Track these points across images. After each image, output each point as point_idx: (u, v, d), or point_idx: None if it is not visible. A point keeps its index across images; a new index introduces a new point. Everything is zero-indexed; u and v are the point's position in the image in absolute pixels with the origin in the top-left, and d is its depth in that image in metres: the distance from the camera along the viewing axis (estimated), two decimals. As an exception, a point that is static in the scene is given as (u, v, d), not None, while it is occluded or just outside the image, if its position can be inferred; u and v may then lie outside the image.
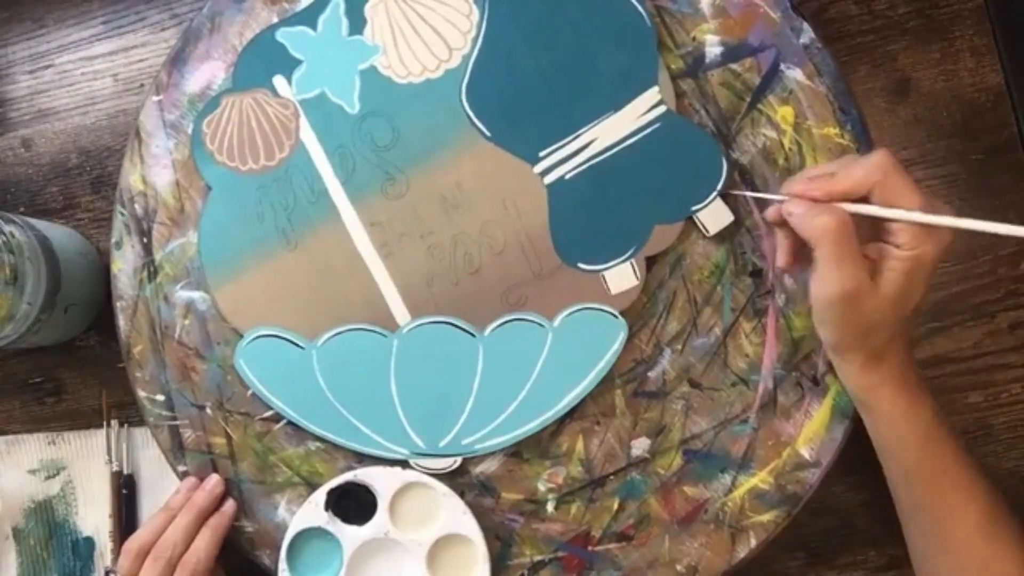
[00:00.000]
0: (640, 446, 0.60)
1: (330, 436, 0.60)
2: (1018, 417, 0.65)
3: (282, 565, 0.58)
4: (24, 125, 0.70)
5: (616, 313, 0.59)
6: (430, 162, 0.60)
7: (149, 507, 0.65)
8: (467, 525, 0.58)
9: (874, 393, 0.53)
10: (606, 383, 0.60)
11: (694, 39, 0.60)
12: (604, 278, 0.59)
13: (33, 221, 0.63)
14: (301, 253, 0.60)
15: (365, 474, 0.59)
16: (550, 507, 0.60)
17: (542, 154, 0.60)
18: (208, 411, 0.61)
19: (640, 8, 0.60)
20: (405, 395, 0.60)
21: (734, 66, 0.60)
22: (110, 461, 0.66)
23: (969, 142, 0.66)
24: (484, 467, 0.60)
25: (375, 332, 0.60)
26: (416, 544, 0.58)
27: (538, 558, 0.60)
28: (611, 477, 0.60)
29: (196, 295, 0.61)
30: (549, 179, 0.60)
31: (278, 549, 0.59)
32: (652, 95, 0.60)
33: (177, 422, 0.61)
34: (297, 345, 0.60)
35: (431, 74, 0.61)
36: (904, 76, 0.66)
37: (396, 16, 0.61)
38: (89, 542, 0.66)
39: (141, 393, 0.61)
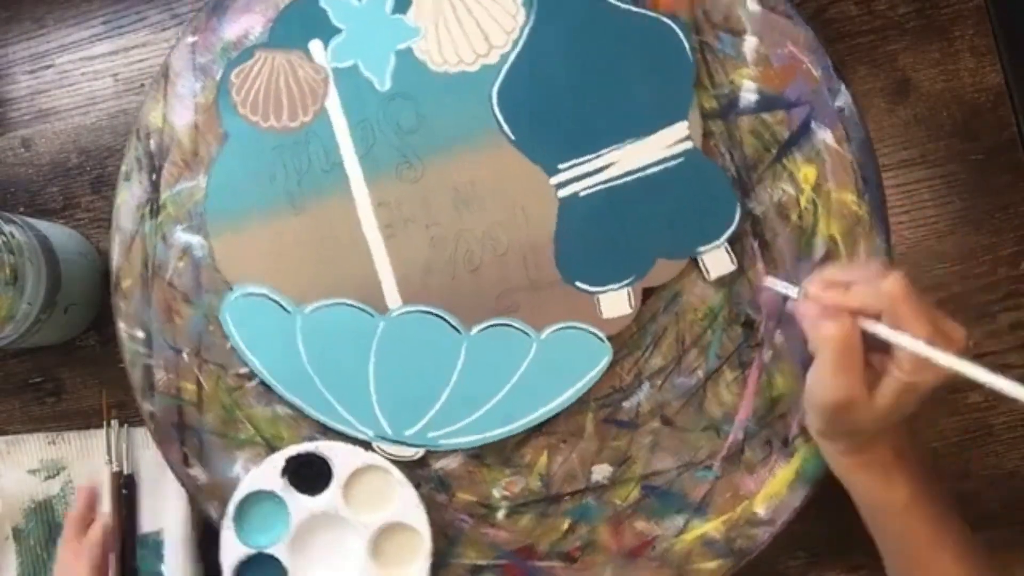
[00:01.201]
0: (601, 472, 0.60)
1: (299, 403, 0.60)
2: (1018, 417, 0.66)
3: (228, 521, 0.59)
4: (24, 125, 0.70)
5: (603, 337, 0.59)
6: (450, 154, 0.60)
7: (149, 507, 0.65)
8: (417, 517, 0.58)
9: (851, 474, 0.54)
10: (580, 404, 0.60)
11: (731, 82, 0.60)
12: (598, 300, 0.59)
13: (33, 221, 0.63)
14: (305, 219, 0.60)
15: (326, 447, 0.59)
16: (501, 514, 0.60)
17: (561, 167, 0.60)
18: (184, 356, 0.61)
19: (684, 41, 0.59)
20: (381, 378, 0.60)
21: (766, 116, 0.60)
22: (110, 461, 0.65)
23: (969, 142, 0.66)
24: (445, 463, 0.60)
25: (363, 310, 0.60)
26: (363, 526, 0.58)
27: (480, 562, 0.60)
28: (567, 497, 0.60)
29: (195, 240, 0.61)
30: (563, 193, 0.60)
31: (226, 503, 0.59)
32: (680, 129, 0.59)
33: (151, 361, 0.61)
34: (284, 308, 0.60)
35: (467, 67, 0.61)
36: (904, 76, 0.66)
37: (441, 6, 0.61)
38: None
39: (122, 326, 0.61)
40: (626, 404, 0.60)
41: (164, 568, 0.65)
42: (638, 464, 0.60)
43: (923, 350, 0.47)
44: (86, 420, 0.58)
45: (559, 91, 0.60)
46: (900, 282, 0.48)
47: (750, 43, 0.60)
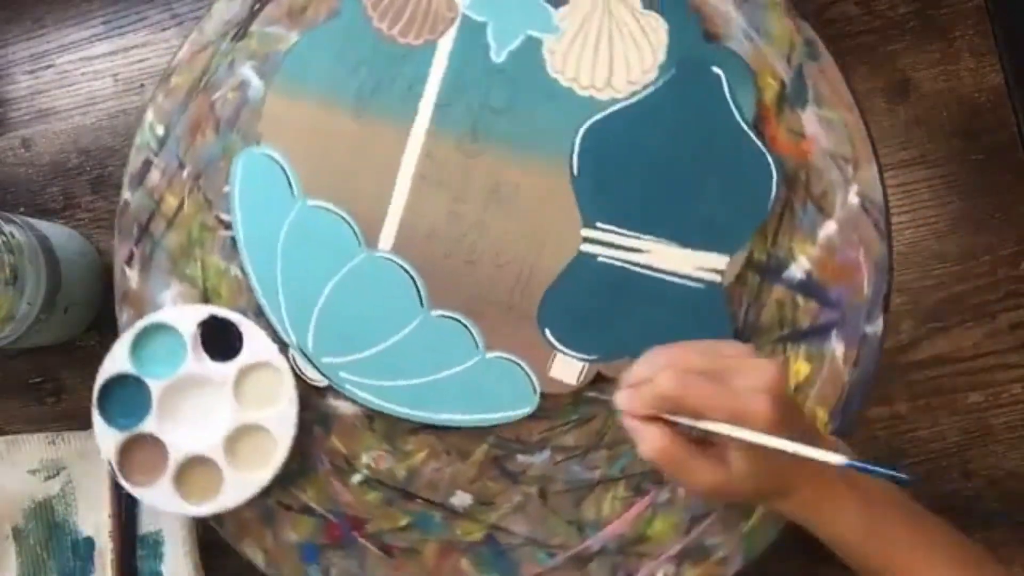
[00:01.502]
0: (462, 499, 0.60)
1: (252, 276, 0.61)
2: (1018, 417, 0.66)
3: (122, 350, 0.59)
4: (24, 125, 0.69)
5: (537, 391, 0.59)
6: (512, 152, 0.60)
7: (149, 507, 0.64)
8: (271, 354, 0.58)
9: (799, 519, 0.52)
10: (482, 432, 0.60)
11: (790, 249, 0.60)
12: (554, 357, 0.60)
13: (33, 221, 0.62)
14: (357, 125, 0.61)
15: (238, 318, 0.59)
16: (356, 479, 0.61)
17: (599, 225, 0.60)
18: (184, 173, 0.62)
19: (774, 189, 0.59)
20: (332, 300, 0.60)
21: (799, 297, 0.60)
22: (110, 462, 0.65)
23: (969, 142, 0.66)
24: (339, 405, 0.61)
25: (354, 234, 0.60)
26: (222, 376, 0.58)
27: (312, 504, 0.61)
28: (420, 500, 0.60)
29: (256, 82, 0.62)
30: (585, 248, 0.60)
31: (138, 317, 0.60)
32: (720, 261, 0.59)
33: (155, 159, 0.62)
34: (291, 188, 0.60)
35: (577, 88, 0.60)
36: (904, 76, 0.67)
37: (593, 19, 0.60)
38: (89, 542, 0.66)
39: (149, 115, 0.62)
40: (520, 458, 0.60)
41: (164, 568, 0.65)
42: (495, 513, 0.60)
43: (727, 431, 0.46)
44: (86, 420, 0.57)
45: (641, 159, 0.60)
46: (671, 380, 0.46)
47: (829, 228, 0.60)
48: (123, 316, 0.61)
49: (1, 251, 0.55)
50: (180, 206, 0.62)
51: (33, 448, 0.66)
